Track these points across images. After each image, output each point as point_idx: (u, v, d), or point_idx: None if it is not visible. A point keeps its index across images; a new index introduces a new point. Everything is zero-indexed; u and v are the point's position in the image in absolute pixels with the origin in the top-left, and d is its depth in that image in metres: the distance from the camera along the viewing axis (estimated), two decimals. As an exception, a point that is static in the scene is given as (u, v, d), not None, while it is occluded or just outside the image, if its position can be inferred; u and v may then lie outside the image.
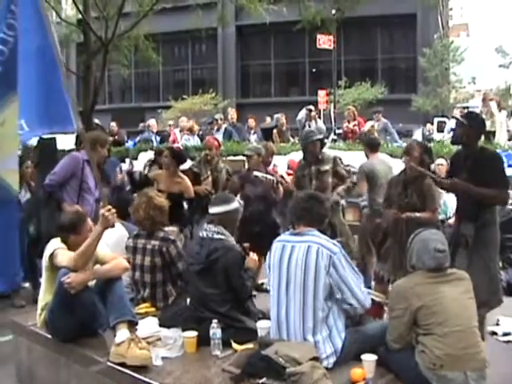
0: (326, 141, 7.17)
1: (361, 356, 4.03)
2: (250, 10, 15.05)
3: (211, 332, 4.42)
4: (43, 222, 7.19)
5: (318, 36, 24.37)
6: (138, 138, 16.22)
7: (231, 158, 11.86)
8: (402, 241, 6.11)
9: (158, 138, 15.40)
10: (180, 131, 15.40)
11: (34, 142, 7.77)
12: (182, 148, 8.19)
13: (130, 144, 15.93)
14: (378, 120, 14.72)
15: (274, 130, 14.67)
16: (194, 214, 7.99)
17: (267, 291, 4.86)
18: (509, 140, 13.57)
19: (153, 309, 5.33)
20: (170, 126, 19.06)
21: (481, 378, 3.91)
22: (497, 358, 4.46)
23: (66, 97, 4.83)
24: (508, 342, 5.75)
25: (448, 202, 8.27)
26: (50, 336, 4.88)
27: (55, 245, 4.88)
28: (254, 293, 6.10)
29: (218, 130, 15.32)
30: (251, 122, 15.94)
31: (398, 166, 7.17)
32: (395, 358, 4.09)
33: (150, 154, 11.18)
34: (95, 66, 14.45)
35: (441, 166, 9.04)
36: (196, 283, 4.83)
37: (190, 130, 14.44)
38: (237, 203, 5.11)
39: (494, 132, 12.92)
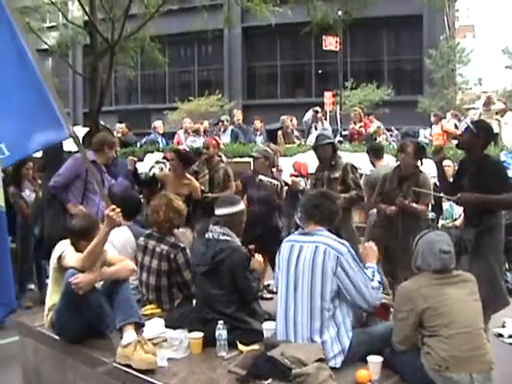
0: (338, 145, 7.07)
1: (366, 357, 4.03)
2: (255, 12, 15.04)
3: (217, 333, 4.43)
4: (47, 224, 7.23)
5: (324, 37, 24.37)
6: (144, 140, 16.24)
7: (237, 159, 11.87)
8: (398, 236, 6.26)
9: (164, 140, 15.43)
10: (184, 132, 15.41)
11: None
12: (188, 150, 8.20)
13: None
14: (371, 122, 14.79)
15: (279, 132, 14.67)
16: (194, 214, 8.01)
17: (274, 293, 4.87)
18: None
19: (159, 310, 5.35)
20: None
21: (487, 380, 3.91)
22: (502, 360, 4.47)
23: (50, 102, 4.35)
24: (514, 343, 5.75)
25: (454, 204, 8.28)
26: (56, 337, 4.90)
27: (64, 246, 4.90)
28: (268, 295, 6.15)
29: (224, 131, 15.35)
30: (257, 123, 15.95)
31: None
32: (401, 360, 4.08)
33: (157, 156, 11.22)
34: (101, 67, 14.48)
35: (448, 167, 9.07)
36: (202, 284, 4.84)
37: (196, 132, 14.45)
38: (242, 205, 5.11)
39: (497, 134, 12.89)
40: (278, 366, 3.89)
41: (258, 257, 5.12)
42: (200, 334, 4.54)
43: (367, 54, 35.42)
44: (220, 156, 8.84)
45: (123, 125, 15.37)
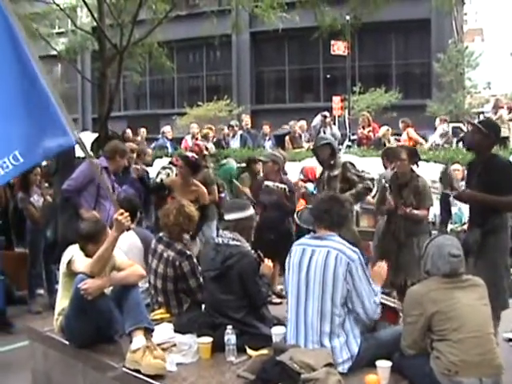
0: (340, 147, 7.08)
1: (375, 362, 4.03)
2: (263, 17, 15.05)
3: (226, 338, 4.43)
4: (60, 227, 7.29)
5: (333, 42, 24.36)
6: (153, 145, 16.28)
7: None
8: (400, 240, 6.28)
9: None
10: (192, 138, 15.44)
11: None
12: (196, 157, 8.21)
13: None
14: (369, 125, 14.80)
15: (287, 137, 14.68)
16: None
17: (283, 297, 4.87)
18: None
19: (168, 315, 5.36)
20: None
21: (496, 384, 3.91)
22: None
23: (55, 108, 4.35)
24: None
25: (463, 208, 8.28)
26: (66, 342, 4.92)
27: (73, 251, 4.92)
28: (277, 300, 6.14)
29: (233, 136, 15.38)
30: (266, 128, 15.96)
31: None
32: (410, 364, 4.08)
33: (165, 161, 11.23)
34: (110, 73, 14.52)
35: (457, 171, 9.08)
36: (211, 289, 4.85)
37: (205, 137, 14.48)
38: (252, 210, 5.11)
39: (507, 138, 12.87)
40: (287, 371, 3.89)
41: (268, 262, 5.12)
42: (209, 339, 4.54)
43: (375, 58, 35.38)
44: (205, 161, 8.83)
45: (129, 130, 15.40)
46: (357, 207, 7.65)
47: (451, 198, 8.54)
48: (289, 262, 4.53)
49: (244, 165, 9.72)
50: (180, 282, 5.39)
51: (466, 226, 8.05)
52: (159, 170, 9.90)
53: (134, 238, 5.98)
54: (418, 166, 6.64)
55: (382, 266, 4.77)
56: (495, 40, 55.97)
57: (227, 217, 4.98)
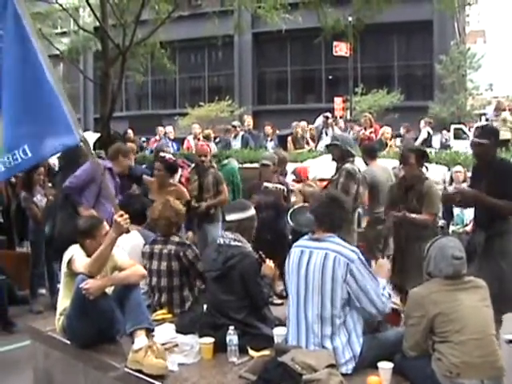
0: (348, 148, 6.89)
1: (377, 363, 4.03)
2: (266, 18, 15.06)
3: (228, 338, 4.43)
4: (58, 223, 7.29)
5: (335, 43, 24.41)
6: (154, 145, 16.29)
7: (247, 165, 11.88)
8: (402, 245, 6.23)
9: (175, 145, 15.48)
10: (193, 138, 15.45)
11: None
12: (173, 158, 8.23)
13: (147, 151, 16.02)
14: (351, 128, 14.80)
15: (289, 138, 14.69)
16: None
17: (284, 298, 4.87)
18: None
19: (169, 315, 5.36)
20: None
21: (498, 386, 3.90)
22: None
23: (62, 107, 4.41)
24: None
25: (465, 210, 8.28)
26: (67, 342, 4.92)
27: (73, 251, 4.93)
28: (278, 301, 6.13)
29: (235, 137, 15.38)
30: (268, 129, 15.96)
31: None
32: (411, 366, 4.07)
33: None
34: (112, 73, 14.53)
35: (459, 173, 9.08)
36: (213, 290, 4.85)
37: (207, 137, 14.49)
38: (253, 211, 5.11)
39: (508, 140, 12.85)
40: (289, 372, 3.89)
41: (269, 262, 5.12)
42: (211, 340, 4.54)
43: (377, 59, 35.41)
44: (211, 161, 8.82)
45: (130, 130, 15.42)
46: (359, 209, 7.58)
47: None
48: (287, 264, 4.51)
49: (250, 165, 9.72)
50: (185, 274, 5.47)
51: (467, 228, 8.08)
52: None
53: (138, 239, 5.99)
54: (427, 169, 6.50)
55: (384, 261, 4.76)
56: (497, 42, 55.98)
57: (228, 217, 4.99)
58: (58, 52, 18.34)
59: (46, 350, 5.25)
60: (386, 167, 8.36)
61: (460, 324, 3.90)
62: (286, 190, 7.72)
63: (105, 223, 5.15)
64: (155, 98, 42.07)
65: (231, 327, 4.45)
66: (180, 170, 9.04)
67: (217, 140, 15.48)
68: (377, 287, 4.26)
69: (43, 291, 8.56)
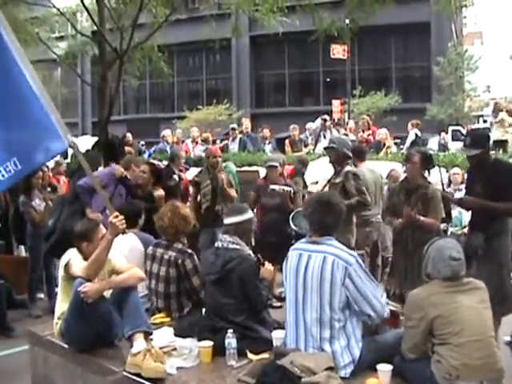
0: (345, 150, 6.91)
1: (376, 366, 4.02)
2: (263, 21, 15.06)
3: (226, 342, 4.42)
4: (62, 218, 7.30)
5: (332, 46, 24.42)
6: (153, 149, 16.30)
7: (246, 168, 11.88)
8: (408, 250, 6.16)
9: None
10: (192, 141, 15.46)
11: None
12: (162, 166, 8.30)
13: (145, 155, 16.03)
14: (368, 129, 14.81)
15: (286, 141, 14.70)
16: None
17: (284, 300, 4.86)
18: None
19: (168, 319, 5.36)
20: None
21: (498, 388, 3.90)
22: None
23: (47, 113, 4.34)
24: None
25: (463, 211, 8.29)
26: (66, 346, 4.91)
27: (70, 254, 4.93)
28: (277, 304, 6.12)
29: (233, 140, 15.39)
30: (266, 132, 15.97)
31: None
32: (411, 368, 4.07)
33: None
34: (110, 76, 14.52)
35: (456, 174, 9.09)
36: (211, 293, 4.85)
37: (205, 141, 14.50)
38: (250, 213, 5.11)
39: (506, 141, 12.87)
40: (288, 375, 3.88)
41: (268, 265, 5.11)
42: (209, 343, 4.53)
43: (375, 61, 35.48)
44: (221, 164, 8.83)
45: (129, 134, 15.40)
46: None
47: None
48: (285, 267, 4.50)
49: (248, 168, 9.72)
50: (183, 283, 5.41)
51: (466, 230, 8.07)
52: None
53: (135, 241, 5.99)
54: (429, 173, 6.47)
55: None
56: (495, 43, 56.06)
57: (226, 221, 4.99)
58: (55, 56, 18.33)
59: (45, 354, 5.24)
60: (374, 169, 8.39)
61: (459, 326, 3.90)
62: (292, 191, 7.73)
63: (101, 226, 5.15)
64: (153, 101, 42.08)
65: (230, 330, 4.45)
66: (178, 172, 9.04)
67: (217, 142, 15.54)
68: (375, 290, 4.25)
69: (41, 295, 8.56)
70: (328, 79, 36.54)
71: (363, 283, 4.15)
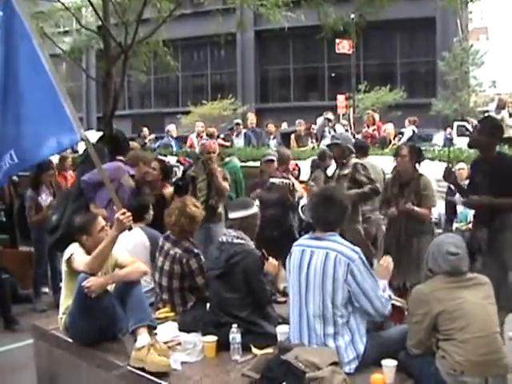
0: (349, 145, 7.01)
1: (381, 361, 4.01)
2: (268, 16, 15.02)
3: (231, 336, 4.42)
4: (67, 214, 7.13)
5: (337, 41, 24.38)
6: (157, 144, 16.30)
7: (251, 163, 11.86)
8: (401, 240, 6.30)
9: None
10: (197, 136, 15.45)
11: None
12: (171, 163, 8.28)
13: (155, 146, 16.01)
14: (373, 124, 14.75)
15: (292, 136, 14.66)
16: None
17: (288, 295, 4.85)
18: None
19: (172, 313, 5.35)
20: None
21: (502, 384, 3.89)
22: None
23: (63, 106, 4.30)
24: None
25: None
26: (70, 340, 4.92)
27: (72, 249, 4.92)
28: (282, 299, 6.11)
29: (237, 135, 15.36)
30: (271, 127, 15.94)
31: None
32: (415, 364, 4.06)
33: (170, 160, 11.23)
34: (115, 71, 14.51)
35: (462, 170, 9.06)
36: (215, 288, 4.84)
37: (211, 135, 14.49)
38: (256, 208, 5.10)
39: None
40: (292, 370, 3.88)
41: (272, 260, 5.11)
42: (214, 338, 4.53)
43: (380, 56, 35.41)
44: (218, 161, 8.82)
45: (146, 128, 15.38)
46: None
47: (456, 197, 8.55)
48: (288, 262, 4.49)
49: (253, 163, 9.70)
50: (186, 280, 5.39)
51: (471, 225, 8.07)
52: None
53: (140, 236, 5.98)
54: (419, 165, 6.57)
55: (388, 260, 4.74)
56: (500, 38, 55.91)
57: (231, 215, 4.98)
58: (60, 51, 18.33)
59: (49, 348, 5.24)
60: (376, 165, 8.40)
61: (464, 322, 3.89)
62: (292, 184, 7.74)
63: (100, 219, 5.13)
64: (158, 96, 42.11)
65: (234, 325, 4.44)
66: (181, 167, 9.04)
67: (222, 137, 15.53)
68: (377, 288, 4.22)
69: (46, 290, 8.57)
70: (333, 74, 36.50)
71: (365, 280, 4.13)
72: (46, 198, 8.34)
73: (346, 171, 6.92)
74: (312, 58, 36.77)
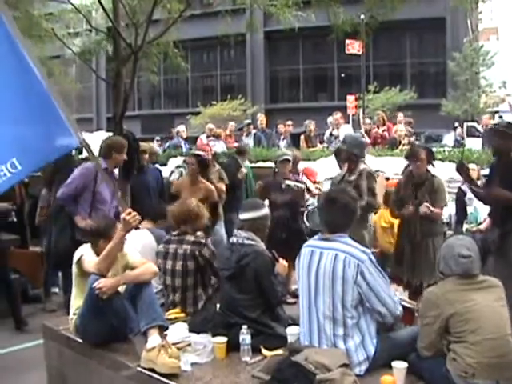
0: (355, 151, 6.94)
1: (391, 363, 4.00)
2: (278, 16, 15.00)
3: (241, 338, 4.42)
4: (54, 238, 7.05)
5: (347, 41, 24.31)
6: (167, 144, 16.32)
7: (260, 164, 11.86)
8: (416, 240, 6.28)
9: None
10: (207, 137, 15.47)
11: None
12: (206, 155, 8.27)
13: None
14: (383, 124, 14.69)
15: (302, 136, 14.63)
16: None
17: (298, 297, 4.84)
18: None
19: (182, 315, 5.36)
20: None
21: (514, 387, 3.86)
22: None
23: (57, 110, 4.21)
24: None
25: (479, 208, 8.23)
26: (81, 340, 4.93)
27: (82, 251, 4.94)
28: (291, 300, 6.10)
29: (247, 135, 15.36)
30: (281, 127, 15.92)
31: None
32: (426, 366, 4.05)
33: (180, 160, 11.26)
34: (125, 72, 14.54)
35: (472, 171, 9.03)
36: (226, 289, 4.85)
37: (217, 136, 14.50)
38: (266, 209, 5.11)
39: None
40: (302, 372, 3.87)
41: (283, 261, 5.10)
42: (224, 339, 4.53)
43: (390, 57, 35.32)
44: (213, 161, 8.88)
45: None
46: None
47: (466, 198, 8.51)
48: (298, 264, 4.48)
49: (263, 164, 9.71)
50: (200, 273, 5.44)
51: (481, 226, 8.05)
52: (173, 169, 9.92)
53: (148, 238, 5.99)
54: (433, 166, 6.64)
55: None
56: (510, 39, 55.61)
57: (242, 216, 4.98)
58: (70, 52, 18.38)
59: (60, 348, 5.26)
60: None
61: (475, 324, 3.87)
62: (305, 188, 7.74)
63: (117, 223, 5.15)
64: (167, 97, 42.16)
65: (244, 326, 4.45)
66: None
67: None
68: (388, 288, 4.22)
69: (56, 290, 8.59)
70: (343, 75, 36.44)
71: (376, 281, 4.12)
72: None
73: (352, 178, 6.86)
74: (322, 58, 36.70)
